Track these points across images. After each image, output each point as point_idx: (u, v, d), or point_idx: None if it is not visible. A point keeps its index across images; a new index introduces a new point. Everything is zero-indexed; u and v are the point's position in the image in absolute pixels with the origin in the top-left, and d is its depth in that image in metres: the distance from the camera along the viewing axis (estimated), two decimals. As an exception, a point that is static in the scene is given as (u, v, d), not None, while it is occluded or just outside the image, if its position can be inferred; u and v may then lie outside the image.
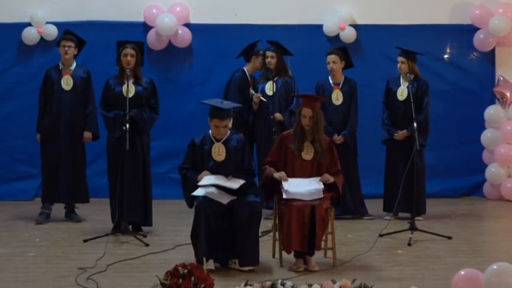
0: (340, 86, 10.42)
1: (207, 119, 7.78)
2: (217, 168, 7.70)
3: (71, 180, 10.03)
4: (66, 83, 9.98)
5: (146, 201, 9.37)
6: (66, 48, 9.95)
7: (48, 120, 10.00)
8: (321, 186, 7.63)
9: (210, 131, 7.83)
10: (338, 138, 10.28)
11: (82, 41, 10.16)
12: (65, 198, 10.09)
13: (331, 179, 7.69)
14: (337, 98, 10.41)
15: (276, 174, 7.70)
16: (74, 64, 10.10)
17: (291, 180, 7.66)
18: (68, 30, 10.25)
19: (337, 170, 7.86)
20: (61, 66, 10.06)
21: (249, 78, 10.57)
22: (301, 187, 7.59)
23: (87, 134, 10.02)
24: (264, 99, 10.29)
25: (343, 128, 10.37)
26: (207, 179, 7.60)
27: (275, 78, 10.20)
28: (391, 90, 10.40)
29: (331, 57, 10.34)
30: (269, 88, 10.23)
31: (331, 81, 10.46)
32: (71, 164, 10.02)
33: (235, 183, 7.57)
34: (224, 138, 7.78)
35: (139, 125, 9.24)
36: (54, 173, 10.01)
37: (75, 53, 10.09)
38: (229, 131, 7.84)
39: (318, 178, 7.71)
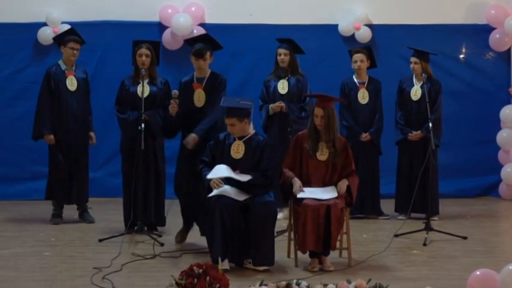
0: (366, 85, 10.42)
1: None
2: (232, 166, 7.68)
3: (75, 181, 9.95)
4: (71, 83, 9.88)
5: (158, 202, 9.34)
6: (75, 51, 9.86)
7: (57, 121, 9.92)
8: (336, 195, 7.61)
9: None
10: (365, 136, 10.28)
11: (83, 42, 10.06)
12: (70, 200, 10.04)
13: (344, 189, 7.66)
14: (363, 97, 10.40)
15: (295, 185, 7.61)
16: (74, 64, 10.03)
17: (305, 189, 7.61)
18: (74, 31, 10.08)
19: (351, 171, 7.82)
20: (64, 67, 9.95)
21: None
22: (314, 195, 7.57)
23: (93, 135, 10.03)
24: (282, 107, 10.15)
25: (370, 127, 10.38)
26: (217, 169, 7.60)
27: (287, 77, 10.20)
28: (404, 90, 10.40)
29: (359, 56, 10.33)
30: (282, 87, 10.17)
31: (356, 80, 10.45)
32: (77, 165, 9.95)
33: (244, 177, 7.55)
34: (247, 137, 7.78)
35: (152, 127, 9.13)
36: (63, 175, 9.95)
37: None
38: (253, 131, 7.84)
39: (332, 187, 7.68)
